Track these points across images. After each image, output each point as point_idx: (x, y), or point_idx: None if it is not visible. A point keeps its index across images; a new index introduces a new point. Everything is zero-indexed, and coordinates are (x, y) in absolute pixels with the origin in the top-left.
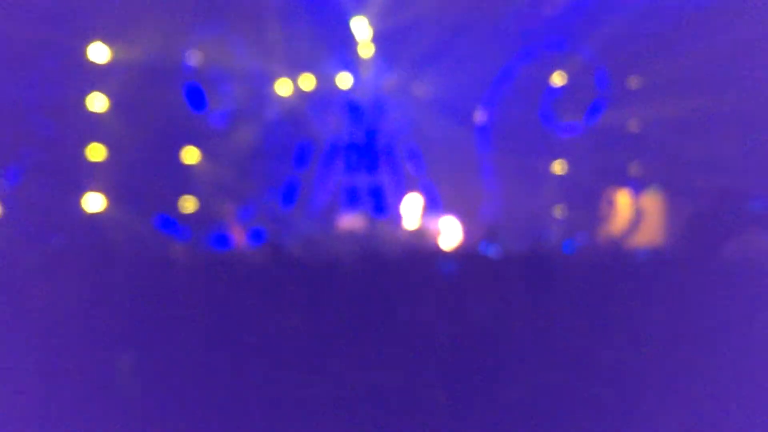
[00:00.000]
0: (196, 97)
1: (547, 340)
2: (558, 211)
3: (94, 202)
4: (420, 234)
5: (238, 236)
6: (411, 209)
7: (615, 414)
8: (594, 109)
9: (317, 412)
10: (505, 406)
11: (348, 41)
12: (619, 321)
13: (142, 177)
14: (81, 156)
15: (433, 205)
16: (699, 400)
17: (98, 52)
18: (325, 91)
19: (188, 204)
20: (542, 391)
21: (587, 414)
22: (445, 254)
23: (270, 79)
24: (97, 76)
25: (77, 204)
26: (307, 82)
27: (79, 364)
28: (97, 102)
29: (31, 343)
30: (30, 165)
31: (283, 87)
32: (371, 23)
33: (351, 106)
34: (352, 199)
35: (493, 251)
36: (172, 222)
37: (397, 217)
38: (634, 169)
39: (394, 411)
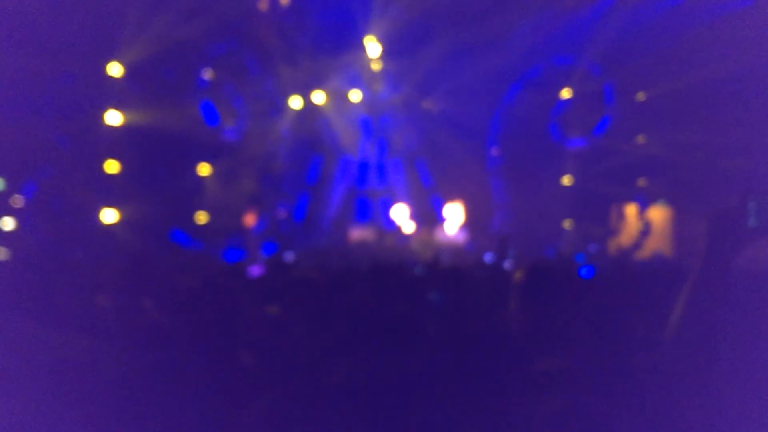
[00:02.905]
0: (209, 113)
1: (559, 350)
2: (568, 223)
3: (109, 215)
4: (428, 243)
5: (254, 239)
6: (399, 218)
7: (628, 425)
8: (602, 123)
9: (325, 420)
10: (515, 416)
11: (359, 58)
12: (630, 332)
13: (157, 191)
14: (98, 170)
15: (441, 218)
16: (712, 413)
17: (115, 70)
18: (337, 107)
19: (201, 217)
20: (550, 401)
21: (597, 425)
22: (455, 265)
23: (283, 95)
24: (113, 93)
25: (94, 217)
26: (319, 97)
27: (96, 374)
28: (114, 118)
29: (49, 354)
30: (47, 179)
31: (295, 102)
32: (382, 40)
33: (362, 121)
34: (363, 212)
35: (504, 262)
36: (186, 234)
37: (408, 228)
38: (642, 182)
39: (404, 418)
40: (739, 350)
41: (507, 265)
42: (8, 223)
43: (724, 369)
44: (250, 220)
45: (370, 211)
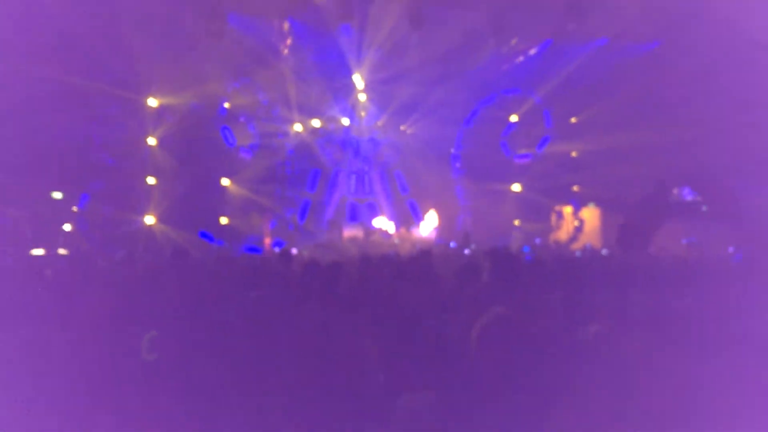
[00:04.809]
0: (228, 136)
1: (517, 329)
2: (517, 222)
3: (149, 221)
4: (406, 238)
5: (267, 236)
6: (382, 224)
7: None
8: (543, 141)
9: (329, 399)
10: (482, 393)
11: (349, 91)
12: (567, 309)
13: (187, 199)
14: (139, 183)
15: (416, 218)
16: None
17: (152, 102)
18: (331, 130)
19: (223, 221)
20: (500, 376)
21: (549, 403)
22: (428, 254)
23: (287, 121)
24: (151, 121)
25: (136, 222)
26: (317, 122)
27: (142, 353)
28: (152, 141)
29: (98, 335)
30: (97, 191)
31: (297, 126)
32: (367, 76)
33: (351, 141)
34: (353, 214)
35: (468, 252)
36: (210, 234)
37: (389, 228)
38: (576, 188)
39: (384, 397)
40: (657, 324)
41: (467, 253)
42: (66, 227)
43: (643, 342)
44: (263, 221)
45: (359, 213)
